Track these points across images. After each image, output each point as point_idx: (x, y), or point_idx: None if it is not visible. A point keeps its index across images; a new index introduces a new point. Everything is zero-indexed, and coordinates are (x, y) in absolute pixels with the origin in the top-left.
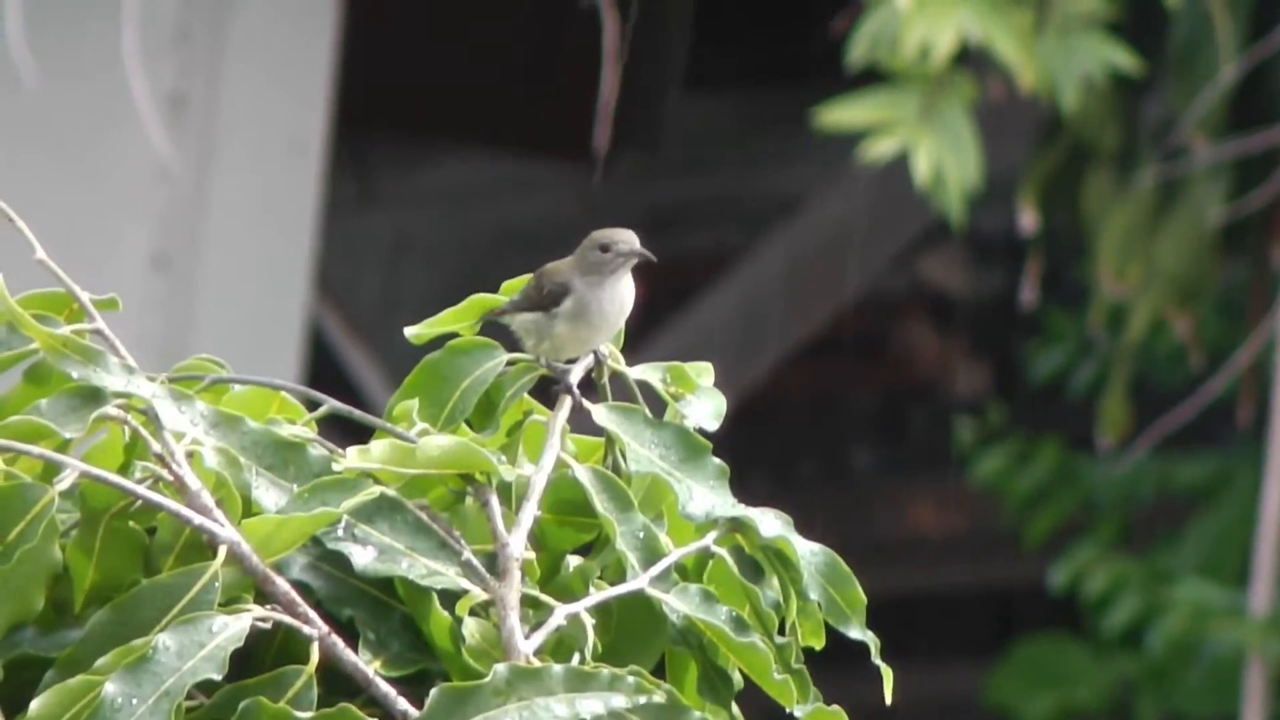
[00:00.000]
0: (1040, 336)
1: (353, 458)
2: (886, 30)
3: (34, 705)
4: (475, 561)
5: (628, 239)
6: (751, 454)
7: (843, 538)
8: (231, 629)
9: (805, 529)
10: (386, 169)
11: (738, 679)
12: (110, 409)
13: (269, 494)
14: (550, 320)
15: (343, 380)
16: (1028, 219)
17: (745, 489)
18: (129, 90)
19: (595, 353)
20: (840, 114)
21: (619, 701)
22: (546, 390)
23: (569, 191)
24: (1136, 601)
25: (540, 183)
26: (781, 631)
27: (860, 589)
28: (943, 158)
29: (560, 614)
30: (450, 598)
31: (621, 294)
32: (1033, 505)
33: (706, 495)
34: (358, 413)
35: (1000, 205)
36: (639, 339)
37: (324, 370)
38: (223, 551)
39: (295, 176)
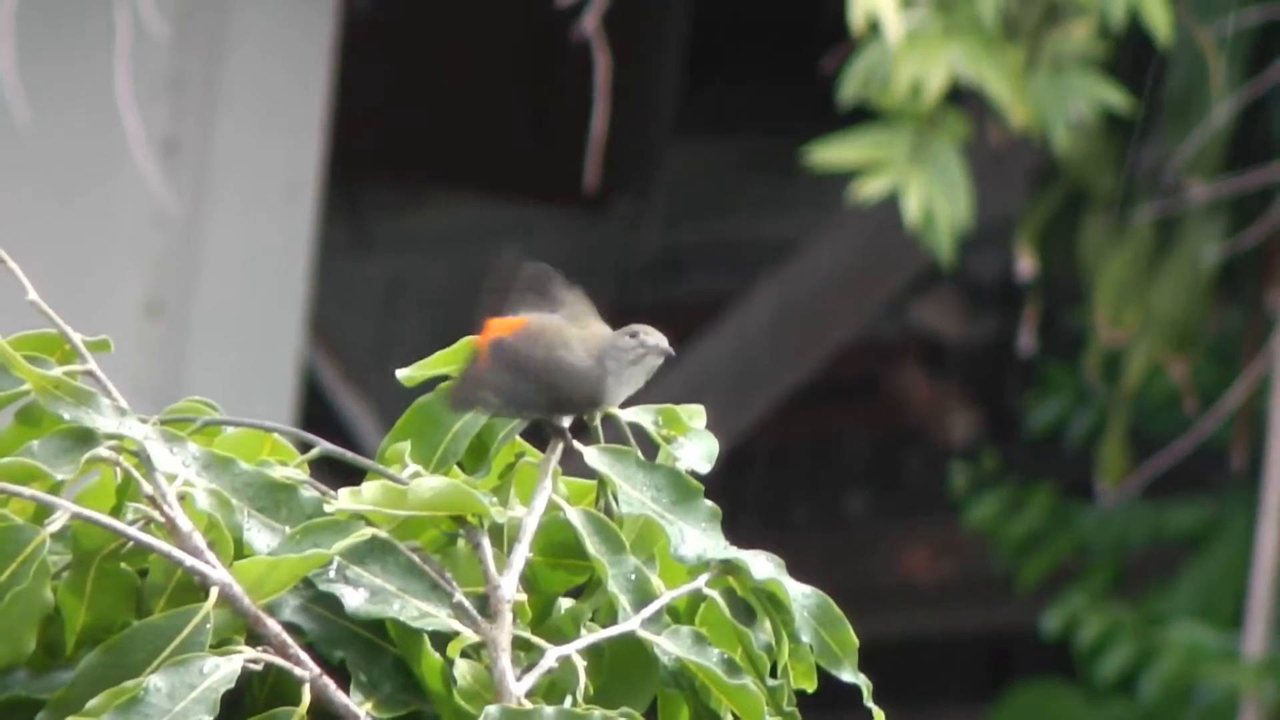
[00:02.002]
0: (1035, 384)
1: (344, 499)
2: (878, 69)
3: None
4: (467, 603)
5: (655, 334)
6: (744, 499)
7: (836, 582)
8: (223, 670)
9: (799, 574)
10: (381, 214)
11: None
12: (102, 450)
13: (261, 536)
14: (576, 412)
15: (336, 425)
16: (1025, 264)
17: (738, 534)
18: (123, 134)
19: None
20: (831, 154)
21: None
22: (539, 433)
23: (564, 235)
24: (1130, 648)
25: (535, 228)
26: (774, 674)
27: (852, 631)
28: (933, 197)
29: (552, 656)
30: (442, 639)
31: (635, 384)
32: (1026, 551)
33: (699, 537)
34: (350, 455)
35: (993, 250)
36: None
37: (318, 415)
38: (214, 593)
39: (289, 221)
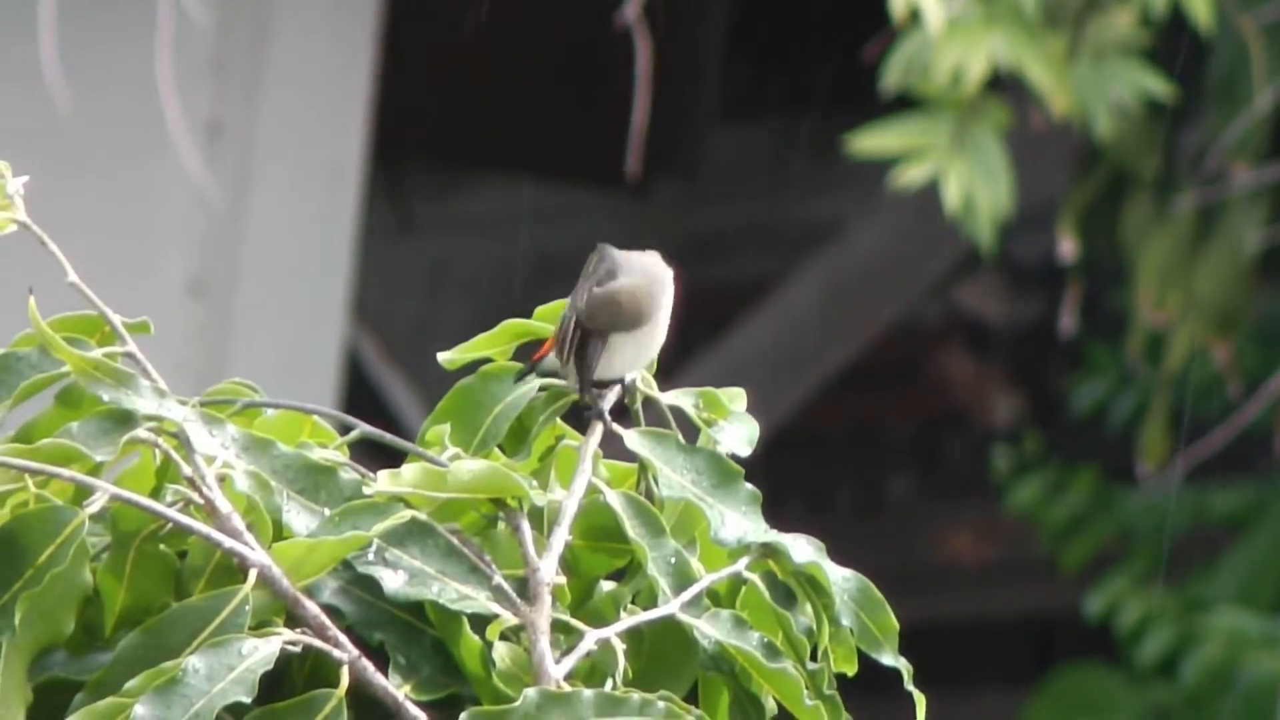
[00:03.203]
0: (1078, 366)
1: (384, 482)
2: (919, 56)
3: None
4: (506, 586)
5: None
6: (788, 482)
7: (879, 566)
8: (261, 652)
9: (841, 557)
10: (424, 196)
11: (770, 705)
12: (141, 432)
13: (300, 518)
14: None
15: (379, 407)
16: (1067, 247)
17: (781, 517)
18: (165, 117)
19: (625, 380)
20: (872, 141)
21: None
22: (579, 416)
23: (607, 219)
24: (1171, 631)
25: (578, 210)
26: (814, 658)
27: (892, 615)
28: (973, 184)
29: (591, 639)
30: (481, 622)
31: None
32: (1068, 534)
33: (739, 521)
34: (389, 437)
35: (1037, 233)
36: (674, 367)
37: (360, 397)
38: (253, 575)
39: (333, 204)
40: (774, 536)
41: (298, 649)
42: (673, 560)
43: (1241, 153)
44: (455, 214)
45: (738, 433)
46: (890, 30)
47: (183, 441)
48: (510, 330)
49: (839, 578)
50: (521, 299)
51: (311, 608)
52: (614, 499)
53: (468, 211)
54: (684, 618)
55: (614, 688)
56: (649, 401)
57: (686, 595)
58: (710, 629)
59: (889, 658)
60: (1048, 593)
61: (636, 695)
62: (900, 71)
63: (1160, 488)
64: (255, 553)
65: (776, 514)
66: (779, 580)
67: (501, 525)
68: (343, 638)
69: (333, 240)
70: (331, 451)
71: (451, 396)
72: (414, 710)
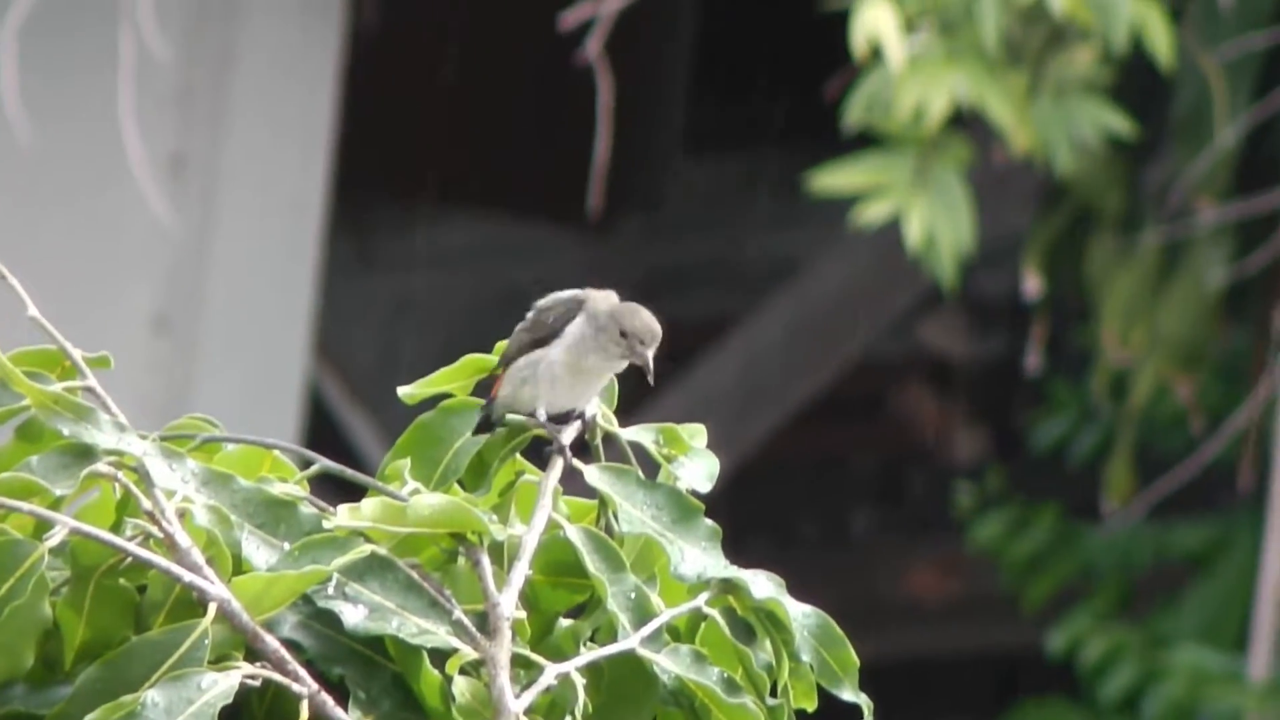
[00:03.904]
0: (1041, 403)
1: (343, 516)
2: (881, 93)
3: None
4: (466, 620)
5: (652, 334)
6: (751, 517)
7: (841, 601)
8: (221, 686)
9: (804, 592)
10: (386, 232)
11: None
12: (101, 466)
13: (259, 552)
14: (547, 351)
15: (341, 443)
16: (1032, 283)
17: (744, 552)
18: (127, 150)
19: (585, 414)
20: (834, 178)
21: None
22: (539, 451)
23: (570, 254)
24: (1133, 668)
25: (541, 246)
26: (774, 693)
27: (852, 651)
28: (935, 221)
29: (551, 673)
30: (441, 656)
31: (606, 368)
32: (1031, 570)
33: (699, 556)
34: (349, 471)
35: (1000, 270)
36: (637, 401)
37: (322, 433)
38: (213, 609)
39: (295, 238)
40: (734, 572)
41: (257, 683)
42: (633, 595)
43: (1205, 189)
44: (418, 250)
45: (698, 468)
46: (852, 67)
47: (142, 476)
48: (471, 365)
49: (799, 614)
50: (484, 334)
51: (271, 642)
52: (574, 534)
53: (430, 247)
54: (644, 653)
55: None
56: (609, 437)
57: (646, 630)
58: (670, 664)
59: (849, 694)
60: (1010, 629)
61: None
62: (862, 108)
63: (1122, 524)
64: (215, 587)
65: (740, 548)
66: (739, 616)
67: (461, 560)
68: (303, 672)
69: (295, 274)
70: (291, 486)
71: (412, 431)
72: None
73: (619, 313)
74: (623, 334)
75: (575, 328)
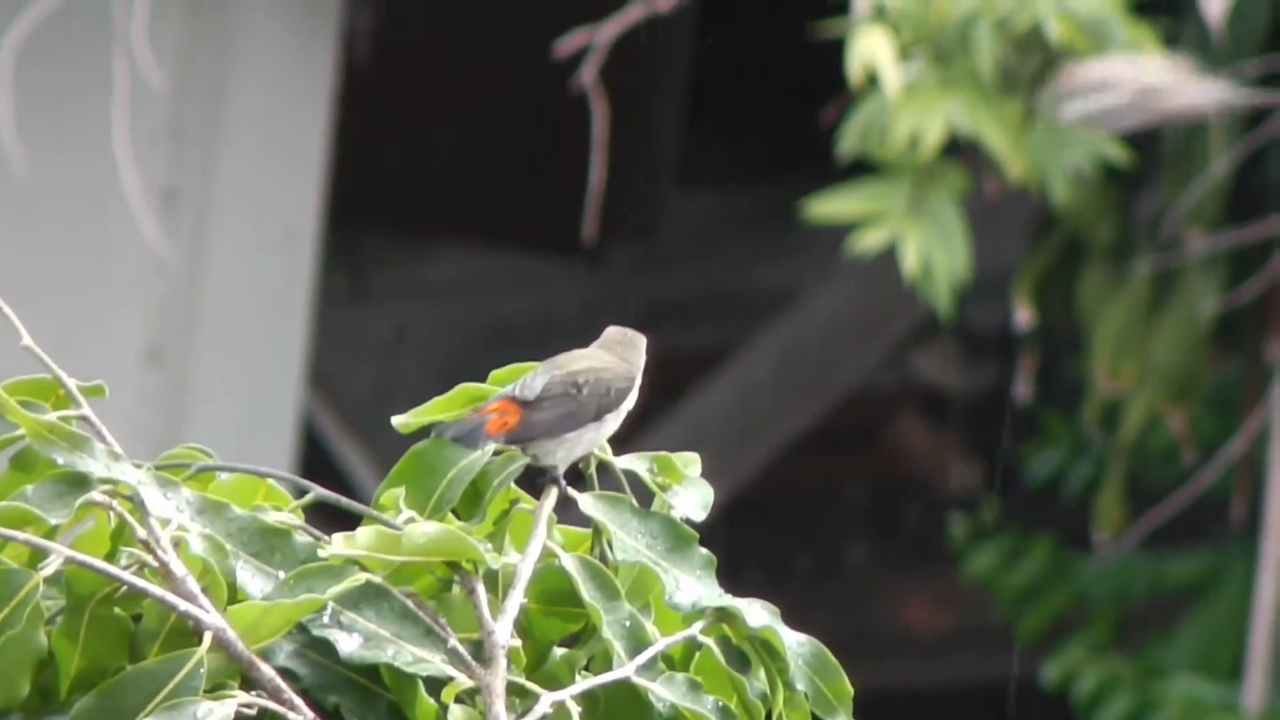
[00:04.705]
0: (1035, 434)
1: (338, 545)
2: (876, 121)
3: None
4: (461, 649)
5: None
6: (745, 548)
7: (835, 632)
8: (216, 715)
9: (799, 623)
10: (380, 262)
11: None
12: (96, 495)
13: (254, 581)
14: (601, 426)
15: (335, 472)
16: (1023, 315)
17: (738, 583)
18: (121, 182)
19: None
20: (829, 206)
21: None
22: (533, 480)
23: (564, 285)
24: (1128, 699)
25: (535, 277)
26: None
27: (847, 680)
28: (931, 249)
29: (546, 702)
30: (436, 685)
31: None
32: (1025, 602)
33: (693, 585)
34: (344, 500)
35: (992, 300)
36: (632, 433)
37: (316, 464)
38: (208, 638)
39: (289, 269)
40: (728, 601)
41: (253, 712)
42: (628, 624)
43: (1195, 219)
44: (412, 280)
45: (692, 497)
46: (847, 94)
47: (137, 505)
48: (465, 394)
49: (794, 642)
50: (478, 365)
51: (267, 670)
52: (569, 562)
53: (424, 278)
54: (639, 681)
55: None
56: (603, 466)
57: (641, 659)
58: (665, 692)
59: None
60: (1004, 660)
61: None
62: (857, 136)
63: (1114, 555)
64: (210, 616)
65: (734, 580)
66: (734, 645)
67: (456, 589)
68: (298, 700)
69: (289, 305)
70: (286, 515)
71: (406, 460)
72: None
73: (626, 340)
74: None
75: (629, 403)
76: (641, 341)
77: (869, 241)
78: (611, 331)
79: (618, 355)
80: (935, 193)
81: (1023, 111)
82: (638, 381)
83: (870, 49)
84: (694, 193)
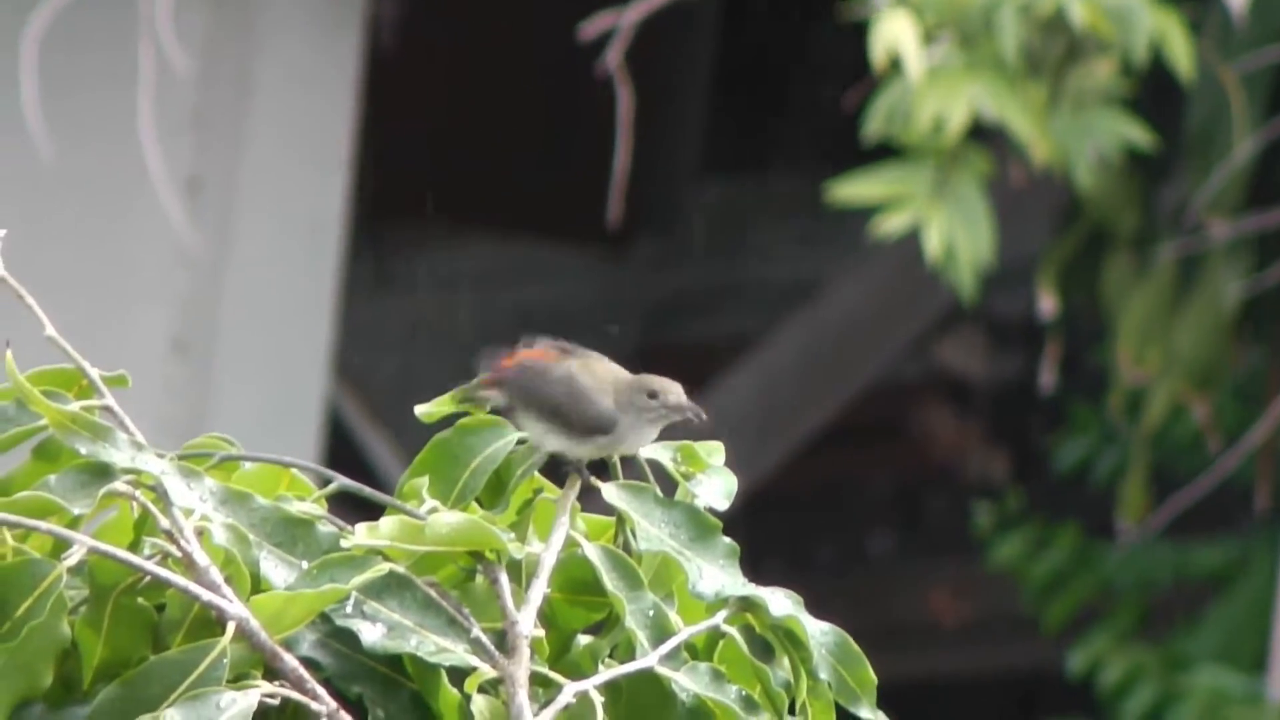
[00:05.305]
0: (1059, 423)
1: (361, 535)
2: (900, 105)
3: None
4: (484, 639)
5: (676, 392)
6: (768, 540)
7: (860, 623)
8: (239, 705)
9: (823, 614)
10: (405, 253)
11: None
12: (119, 485)
13: (277, 571)
14: (578, 443)
15: (360, 462)
16: (1047, 303)
17: (762, 574)
18: (147, 172)
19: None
20: (852, 190)
21: None
22: (556, 469)
23: (587, 276)
24: (1153, 689)
25: (558, 267)
26: (792, 711)
27: (870, 669)
28: (955, 233)
29: (569, 692)
30: (459, 675)
31: (650, 438)
32: (1050, 591)
33: (717, 574)
34: (367, 490)
35: (1017, 289)
36: None
37: (341, 454)
38: (231, 628)
39: (314, 259)
40: (752, 590)
41: (276, 702)
42: (651, 613)
43: (1218, 207)
44: (436, 271)
45: (716, 486)
46: (870, 79)
47: (160, 495)
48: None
49: (817, 631)
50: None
51: (290, 660)
52: (592, 552)
53: (449, 268)
54: (662, 671)
55: None
56: (626, 455)
57: (665, 648)
58: (688, 682)
59: (867, 712)
60: (1029, 650)
61: None
62: (881, 120)
63: (1137, 543)
64: (233, 605)
65: (757, 571)
66: (757, 634)
67: (480, 578)
68: (321, 690)
69: (314, 295)
70: (309, 504)
71: (429, 450)
72: None
73: (639, 382)
74: (651, 395)
75: (604, 441)
76: (648, 383)
77: (892, 225)
78: (641, 377)
79: (625, 399)
80: (959, 176)
81: (1047, 94)
82: (622, 422)
83: (894, 32)
84: (717, 182)
